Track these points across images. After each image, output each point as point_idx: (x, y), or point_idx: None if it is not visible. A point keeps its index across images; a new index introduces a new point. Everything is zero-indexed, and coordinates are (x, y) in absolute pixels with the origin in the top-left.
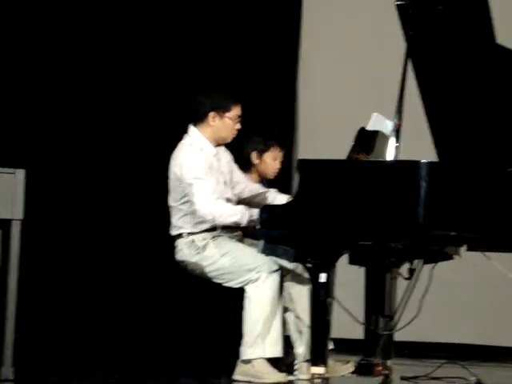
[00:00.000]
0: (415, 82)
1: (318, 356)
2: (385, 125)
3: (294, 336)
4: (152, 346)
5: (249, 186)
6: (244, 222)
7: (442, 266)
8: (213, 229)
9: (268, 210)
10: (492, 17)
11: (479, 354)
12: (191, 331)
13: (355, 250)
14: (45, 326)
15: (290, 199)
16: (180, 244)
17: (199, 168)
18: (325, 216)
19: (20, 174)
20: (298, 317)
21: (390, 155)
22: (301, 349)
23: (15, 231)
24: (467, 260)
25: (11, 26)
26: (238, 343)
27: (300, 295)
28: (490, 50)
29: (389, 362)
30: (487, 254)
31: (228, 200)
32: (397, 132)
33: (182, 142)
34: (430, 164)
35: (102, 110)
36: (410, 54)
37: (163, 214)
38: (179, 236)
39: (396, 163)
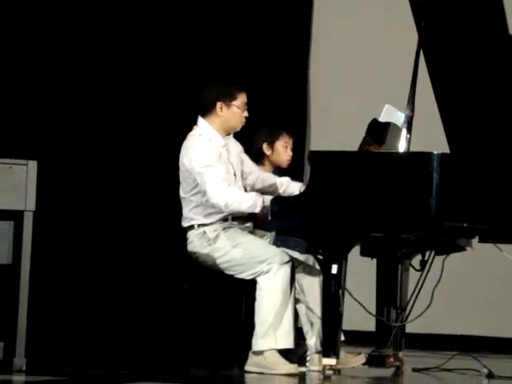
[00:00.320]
0: (427, 73)
1: (329, 347)
2: (397, 116)
3: (306, 327)
4: (164, 337)
5: (261, 175)
6: (257, 207)
7: (454, 257)
8: (224, 220)
9: (279, 202)
10: (504, 7)
11: (491, 346)
12: (203, 322)
13: (367, 241)
14: (57, 316)
15: (303, 187)
16: (191, 235)
17: (209, 157)
18: (336, 208)
19: (32, 165)
20: (309, 308)
21: (401, 147)
22: (312, 340)
23: (27, 222)
24: (479, 252)
25: (19, 20)
26: (249, 334)
27: (311, 287)
28: (503, 41)
29: (400, 354)
30: (499, 245)
31: None
32: (409, 123)
33: (192, 132)
34: (442, 155)
35: (114, 102)
36: (421, 45)
37: (175, 206)
38: (190, 227)
39: (408, 155)
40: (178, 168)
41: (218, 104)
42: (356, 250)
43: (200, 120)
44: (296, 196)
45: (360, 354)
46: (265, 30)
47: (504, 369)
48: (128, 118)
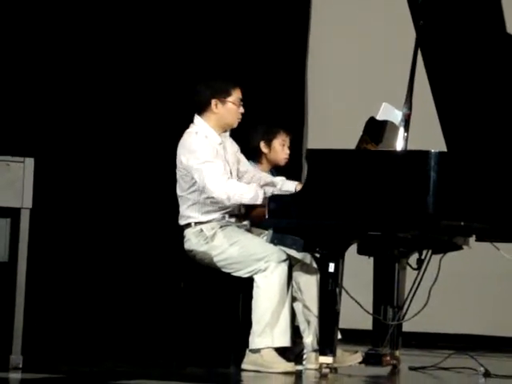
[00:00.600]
0: (425, 71)
1: (326, 346)
2: (394, 114)
3: (303, 326)
4: (160, 335)
5: (256, 175)
6: (259, 198)
7: (451, 256)
8: (221, 218)
9: (276, 200)
10: (502, 6)
11: (487, 345)
12: (200, 320)
13: (364, 240)
14: (54, 314)
15: (299, 186)
16: (188, 233)
17: (206, 153)
18: (334, 206)
19: (29, 162)
20: (306, 306)
21: (399, 145)
22: (309, 338)
23: (24, 220)
24: (476, 251)
25: (16, 18)
26: (246, 332)
27: (308, 285)
28: (501, 40)
29: (397, 353)
30: (496, 244)
31: None
32: (406, 122)
33: (188, 130)
34: (440, 154)
35: (111, 100)
36: (419, 43)
37: (171, 204)
38: (187, 225)
39: (405, 153)
40: (174, 166)
41: (213, 101)
42: (353, 248)
43: (196, 118)
44: (293, 194)
45: (357, 352)
46: (262, 27)
47: (501, 367)
48: (125, 116)
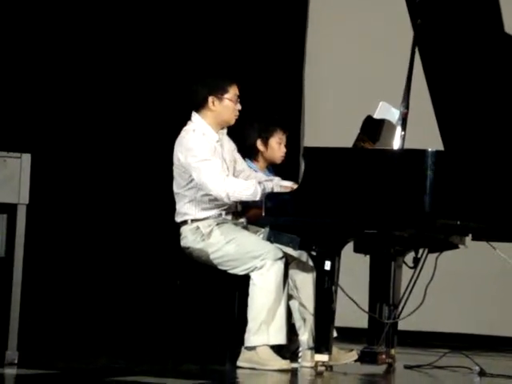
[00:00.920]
0: (422, 70)
1: (321, 344)
2: (391, 113)
3: (298, 323)
4: (157, 332)
5: (252, 174)
6: (258, 195)
7: (447, 255)
8: (218, 215)
9: (273, 198)
10: (500, 5)
11: (483, 344)
12: (196, 318)
13: (360, 238)
14: (50, 310)
15: (295, 185)
16: (185, 231)
17: (204, 151)
18: (330, 204)
19: (26, 158)
20: (302, 304)
21: (396, 144)
22: (305, 336)
23: (21, 215)
24: (472, 250)
25: (16, 17)
26: (242, 330)
27: (304, 283)
28: (498, 39)
29: (392, 351)
30: (492, 243)
31: None
32: (403, 121)
33: (185, 128)
34: (436, 153)
35: (108, 97)
36: (417, 42)
37: (168, 201)
38: (184, 223)
39: (402, 152)
40: (171, 163)
41: (210, 98)
42: (349, 246)
43: (194, 115)
44: (290, 192)
45: (352, 350)
46: (260, 25)
47: (496, 367)
48: (122, 112)
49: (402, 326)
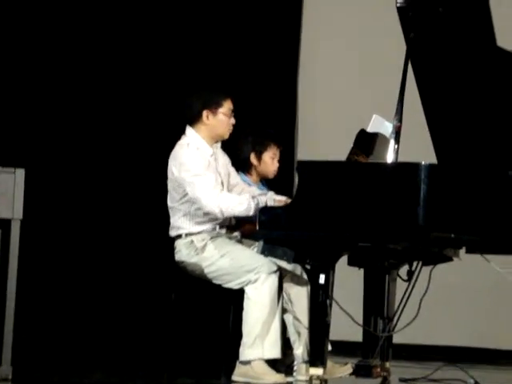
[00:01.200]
0: (415, 83)
1: (316, 357)
2: (385, 127)
3: (293, 337)
4: (151, 347)
5: (245, 189)
6: (251, 210)
7: (441, 268)
8: (212, 229)
9: (267, 212)
10: (492, 19)
11: (477, 357)
12: (191, 332)
13: (354, 251)
14: (44, 325)
15: (289, 200)
16: (179, 245)
17: (198, 166)
18: (324, 217)
19: (20, 173)
20: (296, 318)
21: (389, 157)
22: (299, 350)
23: (15, 231)
24: (466, 262)
25: (11, 25)
26: (237, 344)
27: (299, 296)
28: (491, 53)
29: (387, 364)
30: (486, 256)
31: None
32: (397, 134)
33: (180, 142)
34: (430, 166)
35: (102, 110)
36: (410, 55)
37: (162, 215)
38: (178, 237)
39: (396, 165)
40: (165, 177)
41: (204, 112)
42: (343, 259)
43: (188, 129)
44: (284, 206)
45: (347, 364)
46: (253, 37)
47: (490, 379)
48: (116, 127)
49: (397, 339)
